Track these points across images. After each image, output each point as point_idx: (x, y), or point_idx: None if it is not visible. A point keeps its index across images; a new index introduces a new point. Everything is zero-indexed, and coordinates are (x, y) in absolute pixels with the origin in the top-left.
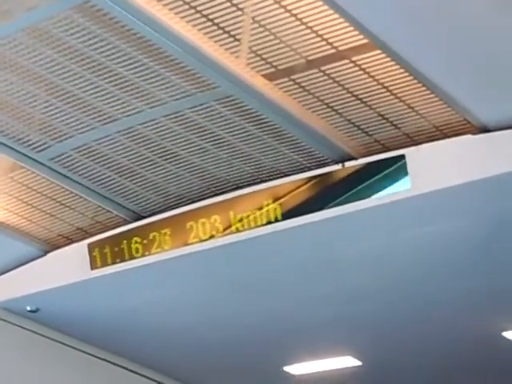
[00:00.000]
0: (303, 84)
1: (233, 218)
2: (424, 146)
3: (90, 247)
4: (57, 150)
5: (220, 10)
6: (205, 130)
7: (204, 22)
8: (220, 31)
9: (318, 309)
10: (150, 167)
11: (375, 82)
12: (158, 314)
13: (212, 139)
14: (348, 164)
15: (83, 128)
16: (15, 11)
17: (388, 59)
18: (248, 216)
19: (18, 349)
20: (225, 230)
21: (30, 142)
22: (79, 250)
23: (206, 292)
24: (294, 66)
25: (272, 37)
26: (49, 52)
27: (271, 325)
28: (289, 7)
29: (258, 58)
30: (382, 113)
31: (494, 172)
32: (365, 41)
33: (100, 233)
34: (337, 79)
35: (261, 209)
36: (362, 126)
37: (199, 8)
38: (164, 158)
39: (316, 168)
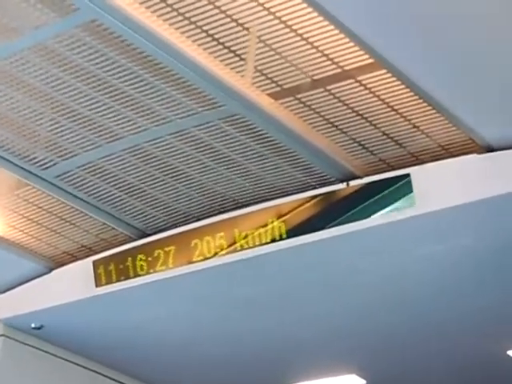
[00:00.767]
0: (308, 103)
1: (237, 235)
2: (429, 165)
3: (95, 264)
4: (62, 167)
5: (226, 30)
6: (210, 149)
7: (210, 42)
8: (225, 50)
9: (321, 326)
10: (156, 185)
11: (380, 102)
12: (162, 331)
13: (217, 157)
14: (352, 183)
15: (89, 146)
16: (23, 29)
17: (393, 79)
18: (252, 233)
19: (23, 365)
20: (229, 247)
21: (36, 160)
22: (84, 267)
23: (210, 309)
24: (300, 85)
25: (277, 56)
26: (55, 70)
27: (274, 342)
28: (294, 27)
29: (264, 77)
30: (387, 132)
31: (499, 191)
32: (370, 60)
33: (105, 250)
34: (342, 98)
35: (265, 226)
36: (366, 145)
37: (205, 27)
38: (169, 175)
39: (320, 187)
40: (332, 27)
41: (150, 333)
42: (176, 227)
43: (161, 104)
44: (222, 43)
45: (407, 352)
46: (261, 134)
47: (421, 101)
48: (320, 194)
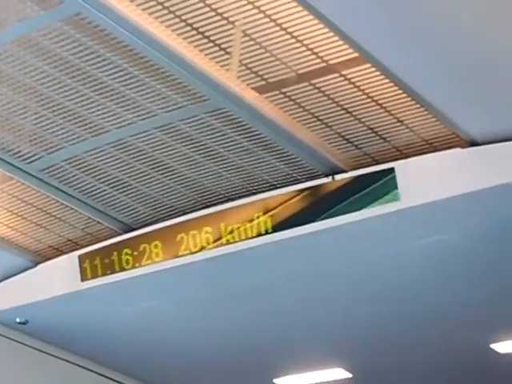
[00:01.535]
0: (293, 97)
1: (223, 229)
2: (413, 159)
3: (81, 259)
4: (47, 161)
5: (211, 24)
6: (196, 142)
7: (195, 35)
8: (211, 44)
9: (307, 320)
10: (141, 179)
11: (365, 96)
12: (148, 325)
13: (203, 151)
14: (338, 177)
15: (74, 139)
16: (5, 22)
17: (378, 73)
18: (239, 228)
19: (7, 360)
20: (215, 241)
21: (21, 154)
22: (69, 261)
23: (196, 303)
24: (285, 80)
25: (262, 50)
26: (39, 63)
27: (261, 336)
28: (279, 21)
29: (249, 71)
30: (372, 126)
31: (484, 185)
32: (354, 55)
33: (90, 244)
34: (327, 93)
35: (251, 221)
36: (351, 139)
37: (190, 21)
38: (155, 169)
39: (306, 180)
40: (316, 21)
41: (136, 327)
42: (162, 221)
43: (146, 98)
44: (208, 37)
45: (393, 345)
46: (246, 128)
47: (405, 95)
48: (306, 189)
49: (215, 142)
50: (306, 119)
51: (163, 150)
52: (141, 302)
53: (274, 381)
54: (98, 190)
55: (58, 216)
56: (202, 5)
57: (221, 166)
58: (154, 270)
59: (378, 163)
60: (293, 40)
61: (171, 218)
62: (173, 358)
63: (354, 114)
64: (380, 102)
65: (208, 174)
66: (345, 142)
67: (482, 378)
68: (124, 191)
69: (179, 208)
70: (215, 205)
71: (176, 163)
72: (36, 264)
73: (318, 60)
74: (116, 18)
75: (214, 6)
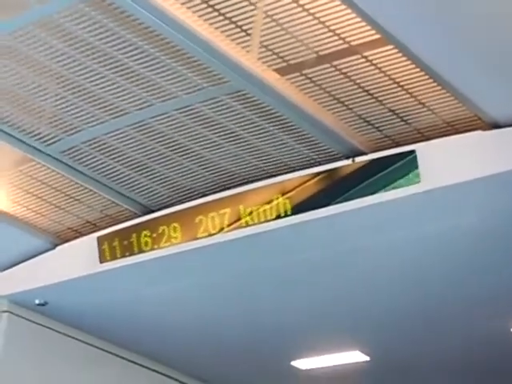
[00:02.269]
0: (314, 79)
1: (242, 211)
2: (434, 141)
3: (100, 240)
4: (67, 143)
5: (232, 5)
6: (216, 124)
7: (216, 17)
8: (232, 25)
9: (326, 303)
10: (160, 161)
11: (386, 78)
12: (166, 307)
13: (223, 133)
14: (358, 159)
15: (93, 121)
16: (27, 4)
17: (399, 55)
18: (257, 210)
19: (27, 342)
20: (234, 223)
21: (41, 135)
22: (88, 243)
23: (215, 286)
24: (306, 61)
25: (283, 31)
26: (60, 45)
27: (279, 319)
28: (300, 2)
29: (270, 53)
30: (393, 108)
31: (505, 168)
32: (376, 36)
33: (109, 226)
34: (348, 74)
35: (270, 203)
36: (372, 122)
37: (211, 2)
38: (174, 151)
39: (326, 163)
40: (338, 2)
41: (155, 309)
42: (181, 203)
43: (166, 79)
44: (229, 18)
45: (411, 329)
46: (266, 110)
47: (427, 77)
48: (325, 171)
49: (235, 124)
50: (326, 101)
51: (183, 132)
52: (160, 284)
53: (292, 363)
54: (118, 172)
55: (77, 198)
56: None
57: (240, 148)
58: (173, 252)
59: (398, 145)
60: (314, 21)
61: (190, 200)
62: (190, 340)
63: (375, 96)
64: (401, 84)
65: (227, 156)
66: (365, 124)
67: (501, 364)
68: (143, 173)
69: (198, 190)
70: (234, 187)
71: (196, 145)
72: (55, 246)
73: (340, 41)
74: (136, 0)
75: None
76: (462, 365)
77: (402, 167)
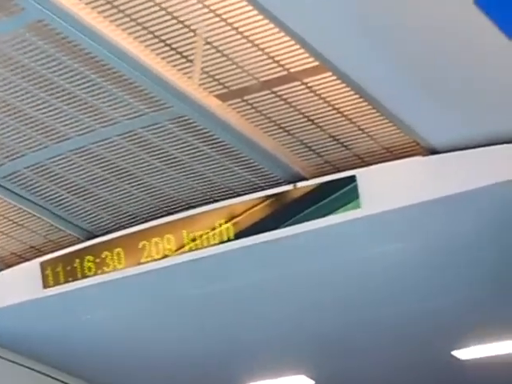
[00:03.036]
0: (255, 105)
1: (186, 237)
2: (374, 167)
3: (43, 266)
4: (9, 168)
5: (173, 31)
6: (158, 150)
7: (157, 43)
8: (173, 52)
9: (269, 327)
10: (103, 186)
11: (326, 104)
12: (111, 332)
13: (165, 158)
14: (300, 184)
15: (36, 146)
16: None
17: (338, 81)
18: (201, 235)
19: None
20: (178, 249)
21: None
22: (32, 268)
23: (157, 311)
24: (247, 87)
25: (224, 58)
26: (0, 70)
27: (223, 344)
28: (241, 29)
29: (211, 79)
30: (333, 134)
31: (443, 193)
32: (315, 63)
33: (53, 251)
34: (288, 100)
35: (214, 228)
36: (313, 147)
37: (152, 29)
38: (117, 176)
39: (268, 188)
40: (278, 30)
41: (99, 334)
42: (124, 228)
43: (108, 105)
44: (169, 45)
45: (354, 353)
46: (208, 136)
47: (366, 103)
48: (268, 196)
49: (177, 149)
50: (267, 127)
51: (125, 157)
52: (103, 308)
53: None
54: (60, 198)
55: (20, 223)
56: (163, 13)
57: (183, 174)
58: (117, 277)
59: (339, 171)
60: (254, 48)
61: (133, 226)
62: (134, 366)
63: (315, 121)
64: (341, 110)
65: (170, 181)
66: (306, 149)
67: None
68: (86, 198)
69: (141, 215)
70: (177, 212)
71: (138, 170)
72: None
73: (280, 68)
74: (78, 26)
75: (175, 14)
76: None
77: (343, 193)
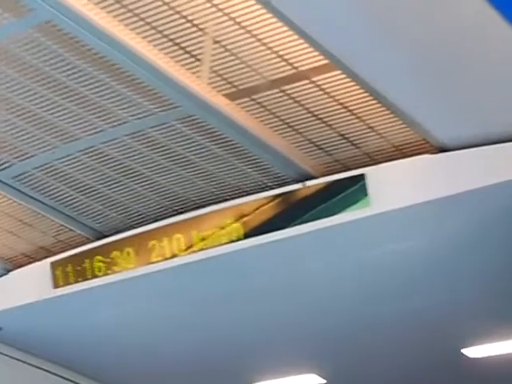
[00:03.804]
0: (264, 104)
1: (195, 236)
2: (383, 165)
3: (53, 266)
4: (19, 168)
5: (181, 31)
6: (167, 149)
7: (166, 43)
8: (181, 51)
9: (281, 326)
10: (113, 186)
11: (335, 102)
12: (121, 331)
13: (174, 158)
14: (308, 183)
15: (45, 147)
16: None
17: (348, 80)
18: (210, 235)
19: None
20: (187, 248)
21: None
22: (42, 268)
23: (168, 310)
24: (255, 86)
25: (233, 57)
26: (10, 71)
27: (234, 343)
28: (249, 28)
29: (220, 78)
30: (342, 132)
31: (453, 191)
32: (325, 61)
33: (62, 251)
34: (297, 99)
35: (223, 228)
36: (322, 146)
37: (161, 29)
38: (126, 176)
39: (277, 187)
40: (286, 28)
41: (109, 333)
42: (133, 228)
43: (117, 105)
44: (178, 44)
45: (366, 351)
46: (217, 135)
47: (375, 102)
48: (277, 195)
49: (186, 148)
50: (276, 126)
51: (134, 157)
52: (113, 308)
53: None
54: (70, 197)
55: (30, 223)
56: (172, 12)
57: (192, 173)
58: (126, 277)
59: (348, 169)
60: (263, 47)
61: (143, 225)
62: (144, 365)
63: (324, 120)
64: (350, 108)
65: (179, 180)
66: (315, 148)
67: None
68: (96, 198)
69: (151, 215)
70: (187, 212)
71: (147, 170)
72: (8, 271)
73: (289, 67)
74: (86, 26)
75: (184, 13)
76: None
77: (352, 191)
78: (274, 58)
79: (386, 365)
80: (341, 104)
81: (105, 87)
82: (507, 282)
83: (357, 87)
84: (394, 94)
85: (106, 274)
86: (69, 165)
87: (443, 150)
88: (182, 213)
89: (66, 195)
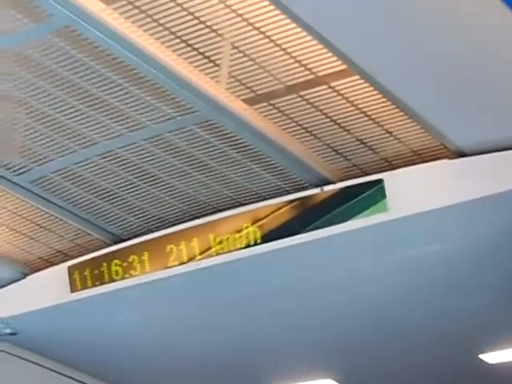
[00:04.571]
0: (282, 109)
1: (212, 240)
2: (401, 170)
3: (70, 270)
4: (37, 173)
5: (200, 36)
6: (185, 154)
7: (184, 48)
8: (200, 56)
9: (297, 331)
10: (130, 190)
11: (353, 107)
12: (138, 336)
13: (192, 163)
14: (326, 188)
15: (63, 151)
16: None
17: (366, 85)
18: (227, 239)
19: None
20: (204, 252)
21: (11, 165)
22: (59, 272)
23: (185, 314)
24: (274, 91)
25: (251, 62)
26: (29, 76)
27: (251, 347)
28: (268, 33)
29: (238, 83)
30: (360, 137)
31: (471, 196)
32: (343, 66)
33: (80, 255)
34: (315, 104)
35: (240, 232)
36: (340, 151)
37: (179, 34)
38: (144, 180)
39: (295, 192)
40: (305, 34)
41: (126, 338)
42: (151, 232)
43: (135, 110)
44: (197, 49)
45: (383, 357)
46: (235, 140)
47: (393, 106)
48: (295, 200)
49: (204, 153)
50: (294, 131)
51: (152, 162)
52: (130, 312)
53: None
54: (88, 202)
55: (48, 227)
56: (191, 17)
57: (210, 178)
58: (144, 281)
59: (366, 174)
60: (281, 52)
61: (160, 230)
62: (162, 369)
63: (342, 125)
64: (368, 113)
65: (197, 185)
66: (333, 153)
67: None
68: (113, 202)
69: (168, 219)
70: (204, 216)
71: (165, 174)
72: (25, 275)
73: (307, 72)
74: (105, 31)
75: (202, 19)
76: None
77: (370, 196)
78: (292, 64)
79: (403, 370)
80: (359, 109)
81: (123, 92)
82: None
83: (375, 92)
84: (412, 98)
85: (124, 278)
86: (87, 169)
87: (461, 154)
88: (199, 217)
89: (83, 199)
